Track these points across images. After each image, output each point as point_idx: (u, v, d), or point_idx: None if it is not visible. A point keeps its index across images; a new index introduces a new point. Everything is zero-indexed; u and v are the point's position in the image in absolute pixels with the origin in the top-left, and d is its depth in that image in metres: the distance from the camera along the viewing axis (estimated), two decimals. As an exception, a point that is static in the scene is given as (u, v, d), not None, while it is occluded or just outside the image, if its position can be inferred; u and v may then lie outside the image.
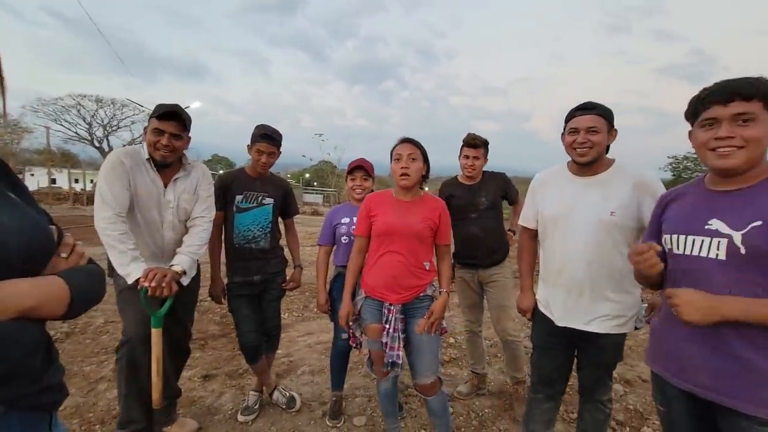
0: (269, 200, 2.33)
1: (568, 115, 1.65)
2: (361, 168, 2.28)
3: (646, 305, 1.59)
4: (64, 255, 0.77)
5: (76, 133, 32.20)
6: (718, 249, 1.08)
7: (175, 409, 2.24)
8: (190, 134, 1.98)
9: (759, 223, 1.03)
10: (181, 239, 2.00)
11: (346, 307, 1.93)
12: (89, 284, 0.78)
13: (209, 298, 2.39)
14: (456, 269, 2.59)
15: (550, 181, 1.78)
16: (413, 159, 1.81)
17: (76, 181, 29.73)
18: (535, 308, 1.83)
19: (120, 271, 1.75)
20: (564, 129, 1.68)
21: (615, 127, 1.59)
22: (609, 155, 1.65)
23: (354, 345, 2.00)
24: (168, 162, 1.90)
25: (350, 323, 1.94)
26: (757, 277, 1.03)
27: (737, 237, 1.05)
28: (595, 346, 1.64)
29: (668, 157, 25.31)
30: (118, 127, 33.64)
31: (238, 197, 2.26)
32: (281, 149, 2.35)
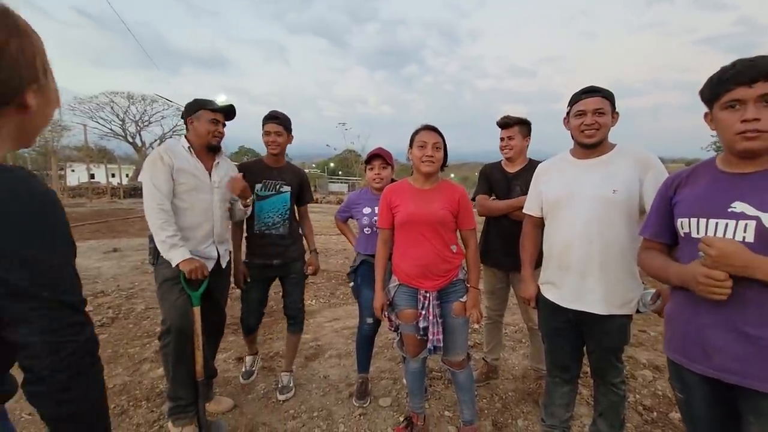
0: (287, 188, 2.41)
1: (572, 98, 1.66)
2: (378, 156, 2.31)
3: (653, 291, 1.54)
4: None
5: (110, 129, 33.69)
6: (744, 232, 1.06)
7: (212, 388, 2.39)
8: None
9: None
10: (225, 219, 2.21)
11: (379, 299, 1.99)
12: None
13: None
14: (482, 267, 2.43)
15: (553, 167, 1.80)
16: (437, 148, 1.84)
17: (113, 175, 31.20)
18: (539, 296, 1.83)
19: (164, 255, 1.93)
20: (567, 113, 1.68)
21: (617, 110, 1.63)
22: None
23: (392, 329, 2.07)
24: (217, 146, 2.14)
25: (385, 311, 2.00)
26: None
27: (766, 219, 1.03)
28: (600, 329, 1.64)
29: (712, 136, 23.94)
30: (149, 123, 34.86)
31: (258, 185, 2.37)
32: (293, 135, 2.46)
